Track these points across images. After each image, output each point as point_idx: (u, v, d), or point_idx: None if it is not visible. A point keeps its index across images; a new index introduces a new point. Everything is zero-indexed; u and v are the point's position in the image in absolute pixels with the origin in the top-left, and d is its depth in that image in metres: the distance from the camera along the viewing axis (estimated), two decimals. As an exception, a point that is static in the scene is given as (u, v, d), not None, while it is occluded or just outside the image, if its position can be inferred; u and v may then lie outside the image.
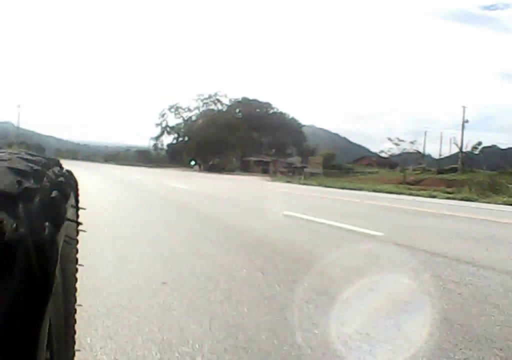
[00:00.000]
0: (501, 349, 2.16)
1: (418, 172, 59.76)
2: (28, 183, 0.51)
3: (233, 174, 51.39)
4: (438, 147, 59.93)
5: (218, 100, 78.81)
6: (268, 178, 41.75)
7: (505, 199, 19.09)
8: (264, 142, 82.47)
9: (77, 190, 0.88)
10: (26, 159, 0.60)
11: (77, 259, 0.93)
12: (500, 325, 2.51)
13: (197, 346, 2.02)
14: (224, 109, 79.74)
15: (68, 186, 0.71)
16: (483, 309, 2.82)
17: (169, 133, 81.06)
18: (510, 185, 28.96)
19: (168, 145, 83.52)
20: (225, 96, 79.65)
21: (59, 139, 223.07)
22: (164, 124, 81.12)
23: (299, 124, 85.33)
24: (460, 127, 60.17)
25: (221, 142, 70.26)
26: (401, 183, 43.53)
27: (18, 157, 0.59)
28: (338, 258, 4.32)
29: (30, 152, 0.68)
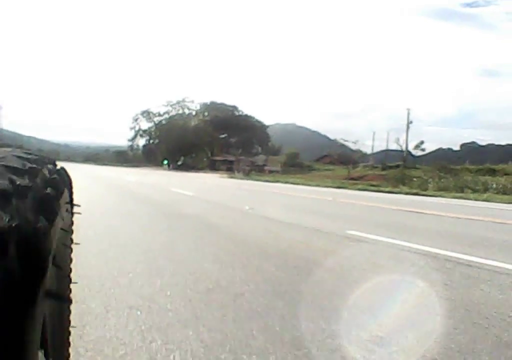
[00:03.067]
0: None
1: (367, 168, 67.47)
2: (22, 181, 0.53)
3: (197, 172, 58.36)
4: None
5: (186, 105, 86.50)
6: (224, 175, 48.68)
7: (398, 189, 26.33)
8: (232, 142, 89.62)
9: (71, 187, 0.90)
10: (21, 157, 0.62)
11: (71, 259, 0.92)
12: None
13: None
14: (193, 113, 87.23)
15: (61, 183, 0.73)
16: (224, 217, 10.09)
17: (141, 136, 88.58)
18: (415, 179, 36.59)
19: (143, 146, 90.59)
20: (192, 101, 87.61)
21: (40, 140, 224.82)
22: (137, 128, 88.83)
23: (264, 125, 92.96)
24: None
25: (190, 143, 77.71)
26: (345, 179, 51.12)
27: (13, 155, 0.61)
28: (168, 200, 11.56)
29: (25, 151, 0.70)
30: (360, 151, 67.11)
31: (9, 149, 0.66)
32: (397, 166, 64.94)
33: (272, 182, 30.65)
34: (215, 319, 2.47)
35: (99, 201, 9.77)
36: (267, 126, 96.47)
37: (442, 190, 26.34)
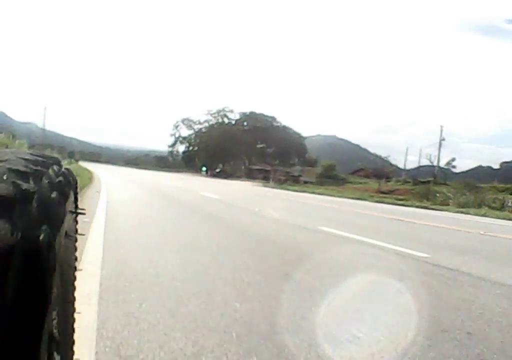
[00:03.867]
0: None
1: (399, 183, 68.92)
2: (26, 185, 0.54)
3: (234, 180, 60.95)
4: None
5: (225, 115, 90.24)
6: (259, 183, 50.96)
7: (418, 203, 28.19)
8: (269, 152, 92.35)
9: (76, 188, 0.93)
10: (26, 159, 0.63)
11: (75, 267, 0.93)
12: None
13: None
14: (233, 122, 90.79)
15: (66, 186, 0.74)
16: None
17: (181, 142, 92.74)
18: (438, 194, 38.08)
19: (183, 152, 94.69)
20: (231, 111, 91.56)
21: (81, 141, 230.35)
22: (177, 135, 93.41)
23: (301, 137, 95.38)
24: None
25: (227, 152, 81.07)
26: (375, 192, 52.74)
27: (18, 157, 0.62)
28: (194, 201, 14.05)
29: (30, 152, 0.72)
30: (393, 166, 68.43)
31: (15, 151, 0.70)
32: (428, 181, 66.01)
33: (299, 192, 32.80)
34: (189, 248, 4.85)
35: (139, 199, 12.33)
36: (305, 138, 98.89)
37: (462, 206, 27.78)
